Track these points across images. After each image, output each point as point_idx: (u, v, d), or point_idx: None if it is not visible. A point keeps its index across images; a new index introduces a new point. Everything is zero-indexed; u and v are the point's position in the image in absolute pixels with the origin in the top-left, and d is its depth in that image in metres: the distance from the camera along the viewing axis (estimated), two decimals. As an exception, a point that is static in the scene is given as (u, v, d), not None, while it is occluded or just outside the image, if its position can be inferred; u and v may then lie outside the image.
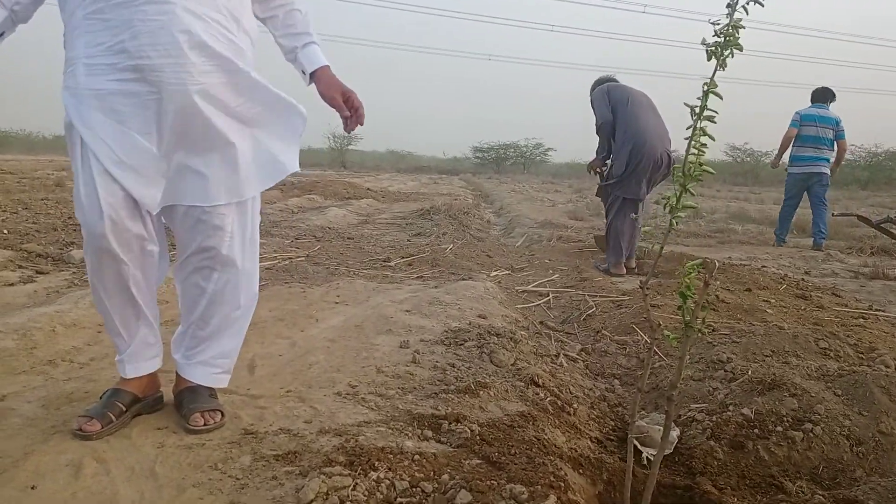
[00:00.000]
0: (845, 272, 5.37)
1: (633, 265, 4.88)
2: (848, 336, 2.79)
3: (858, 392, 2.04)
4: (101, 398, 1.78)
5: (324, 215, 7.75)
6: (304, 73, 1.85)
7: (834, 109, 7.21)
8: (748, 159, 31.58)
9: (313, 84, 1.86)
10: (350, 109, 1.84)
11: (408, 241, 6.17)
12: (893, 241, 5.22)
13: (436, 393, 2.06)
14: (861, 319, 3.39)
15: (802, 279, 4.71)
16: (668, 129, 4.93)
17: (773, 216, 9.80)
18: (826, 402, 1.99)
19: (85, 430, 1.65)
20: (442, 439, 1.74)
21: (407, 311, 3.05)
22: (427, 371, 2.27)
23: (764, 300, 3.58)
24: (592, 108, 5.09)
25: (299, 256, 4.62)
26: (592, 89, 5.25)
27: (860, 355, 2.60)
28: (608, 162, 5.05)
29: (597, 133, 5.04)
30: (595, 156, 5.12)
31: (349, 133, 2.10)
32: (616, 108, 4.92)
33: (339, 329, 2.77)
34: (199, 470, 1.55)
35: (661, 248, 1.38)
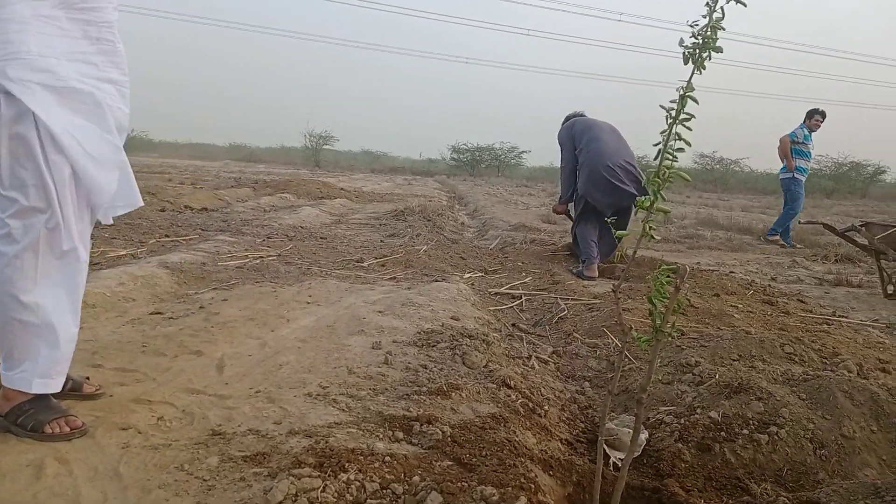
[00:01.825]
0: (810, 279, 5.50)
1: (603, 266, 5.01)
2: (812, 341, 2.84)
3: (822, 396, 2.09)
4: None
5: (296, 214, 7.69)
6: None
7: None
8: (717, 167, 32.24)
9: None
10: None
11: (381, 241, 6.15)
12: (857, 249, 5.36)
13: (408, 394, 2.05)
14: (825, 325, 3.47)
15: (769, 285, 4.80)
16: (632, 146, 5.22)
17: (740, 223, 10.00)
18: (791, 406, 2.03)
19: None
20: (413, 441, 1.73)
21: (380, 311, 3.04)
22: (399, 372, 2.26)
23: (732, 305, 3.65)
24: (560, 148, 5.34)
25: (271, 256, 4.57)
26: (562, 125, 5.46)
27: (824, 360, 2.66)
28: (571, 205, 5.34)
29: (560, 176, 5.31)
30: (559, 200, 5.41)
31: None
32: (580, 139, 5.15)
33: (310, 329, 2.75)
34: (165, 471, 1.52)
35: (635, 252, 1.39)
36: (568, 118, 5.49)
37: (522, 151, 36.73)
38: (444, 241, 6.49)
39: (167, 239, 5.08)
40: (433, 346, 2.56)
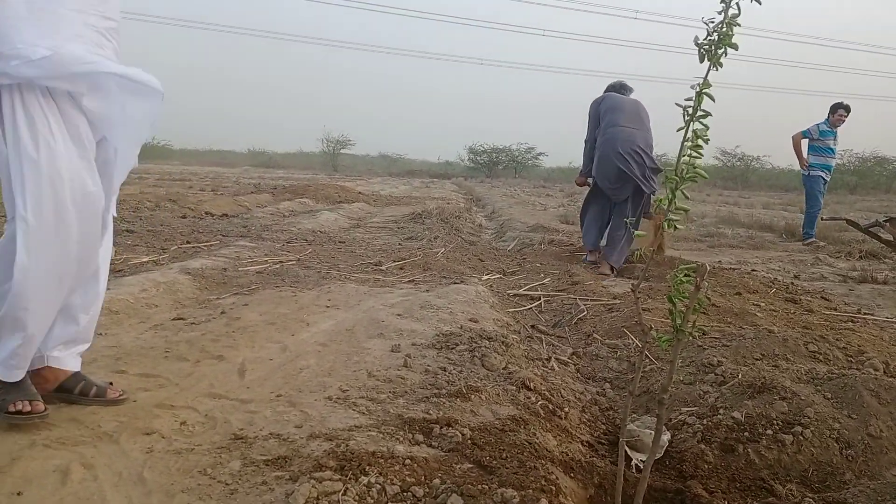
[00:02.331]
0: (834, 276, 5.41)
1: (614, 265, 5.03)
2: (837, 339, 2.80)
3: (848, 395, 2.05)
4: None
5: (315, 219, 7.74)
6: None
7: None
8: (738, 164, 31.85)
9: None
10: None
11: (399, 244, 6.17)
12: (882, 245, 5.26)
13: (427, 397, 2.05)
14: (850, 323, 3.41)
15: (792, 283, 4.74)
16: (654, 134, 5.21)
17: (762, 220, 9.87)
18: (815, 406, 2.00)
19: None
20: (433, 443, 1.73)
21: (398, 314, 3.05)
22: (418, 375, 2.27)
23: (754, 304, 3.60)
24: (588, 119, 5.46)
25: (290, 260, 4.61)
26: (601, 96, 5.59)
27: (849, 358, 2.62)
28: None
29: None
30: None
31: None
32: (603, 118, 5.24)
33: (330, 333, 2.76)
34: (189, 475, 1.53)
35: (653, 251, 1.38)
36: (607, 88, 5.56)
37: (539, 153, 36.66)
38: (462, 244, 6.49)
39: (188, 245, 5.14)
40: (452, 348, 2.56)
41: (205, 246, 5.16)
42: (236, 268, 4.17)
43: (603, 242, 5.32)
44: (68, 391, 1.88)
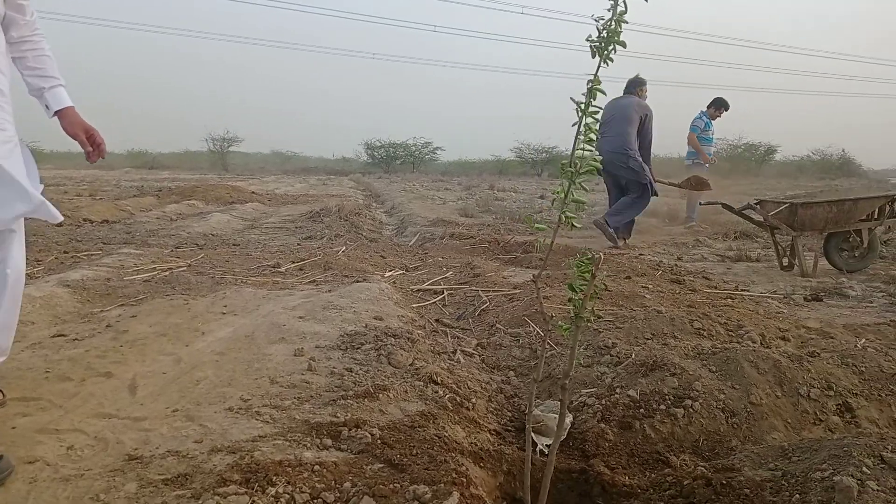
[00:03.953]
0: (713, 256, 5.82)
1: (608, 222, 6.37)
2: (718, 316, 3.01)
3: (730, 367, 2.21)
4: None
5: (206, 221, 7.41)
6: (47, 107, 2.06)
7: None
8: (623, 153, 33.52)
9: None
10: (92, 145, 2.11)
11: (298, 244, 6.02)
12: (754, 225, 5.72)
13: (334, 400, 2.02)
14: (729, 300, 3.68)
15: (676, 265, 5.05)
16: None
17: (648, 207, 10.42)
18: (702, 379, 2.14)
19: None
20: (342, 447, 1.71)
21: (300, 317, 2.97)
22: (324, 378, 2.22)
23: (643, 286, 3.80)
24: None
25: (181, 266, 4.38)
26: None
27: (730, 333, 2.82)
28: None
29: None
30: None
31: (92, 163, 2.26)
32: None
33: (228, 341, 2.65)
34: (79, 503, 1.43)
35: (552, 242, 1.41)
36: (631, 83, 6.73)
37: (437, 147, 36.91)
38: (363, 241, 6.43)
39: (66, 255, 4.77)
40: (357, 348, 2.53)
41: (85, 256, 4.81)
42: (121, 277, 3.92)
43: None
44: None
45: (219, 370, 2.31)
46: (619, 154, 6.34)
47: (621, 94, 6.70)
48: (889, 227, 4.95)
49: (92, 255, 4.86)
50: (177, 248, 5.43)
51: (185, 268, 4.35)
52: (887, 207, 4.88)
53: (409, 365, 2.38)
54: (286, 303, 3.29)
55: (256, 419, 1.88)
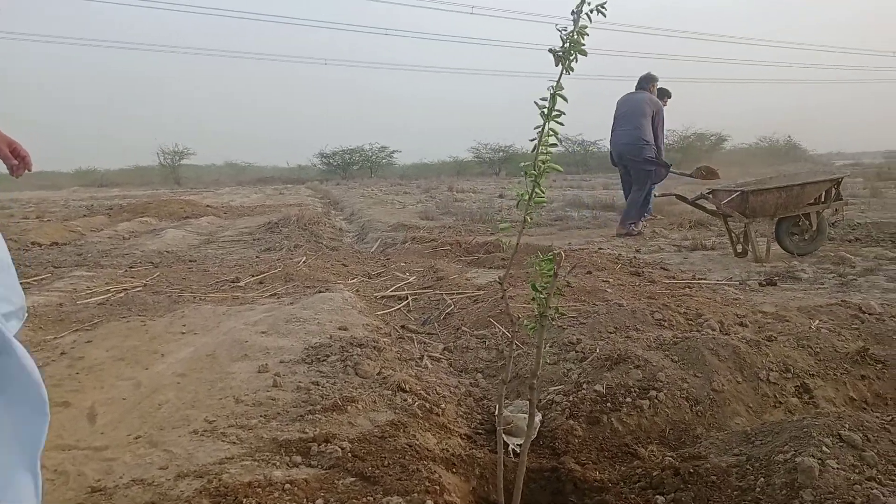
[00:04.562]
0: (670, 247, 5.94)
1: (618, 234, 6.79)
2: (678, 305, 3.07)
3: (692, 356, 2.26)
4: None
5: (160, 238, 7.25)
6: None
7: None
8: (579, 149, 34.14)
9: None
10: (17, 158, 2.01)
11: (257, 257, 5.93)
12: (708, 214, 5.87)
13: (301, 415, 1.99)
14: (687, 289, 3.76)
15: (634, 257, 5.14)
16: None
17: (603, 200, 10.60)
18: (666, 369, 2.18)
19: None
20: (312, 462, 1.68)
21: (263, 332, 2.92)
22: (290, 393, 2.19)
23: (603, 280, 3.86)
24: None
25: (136, 287, 4.27)
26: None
27: (689, 322, 2.88)
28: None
29: None
30: None
31: (17, 178, 2.16)
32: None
33: (189, 361, 2.59)
34: (38, 543, 1.37)
35: (518, 243, 1.43)
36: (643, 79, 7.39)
37: (394, 151, 36.89)
38: (324, 250, 6.38)
39: (13, 282, 4.60)
40: (323, 360, 2.51)
41: (34, 281, 4.65)
42: (74, 301, 3.80)
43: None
44: None
45: (181, 392, 2.25)
46: (634, 146, 6.96)
47: (633, 90, 7.38)
48: (836, 209, 5.13)
49: (42, 279, 4.71)
50: (131, 267, 5.30)
51: (140, 288, 4.24)
52: (833, 190, 5.06)
53: (377, 374, 2.37)
54: (247, 318, 3.23)
55: (223, 440, 1.84)
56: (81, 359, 2.66)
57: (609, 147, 7.55)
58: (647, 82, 7.37)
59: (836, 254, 4.84)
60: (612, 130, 7.38)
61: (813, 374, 2.21)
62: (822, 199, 5.07)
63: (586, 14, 1.28)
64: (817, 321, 2.81)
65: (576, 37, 1.29)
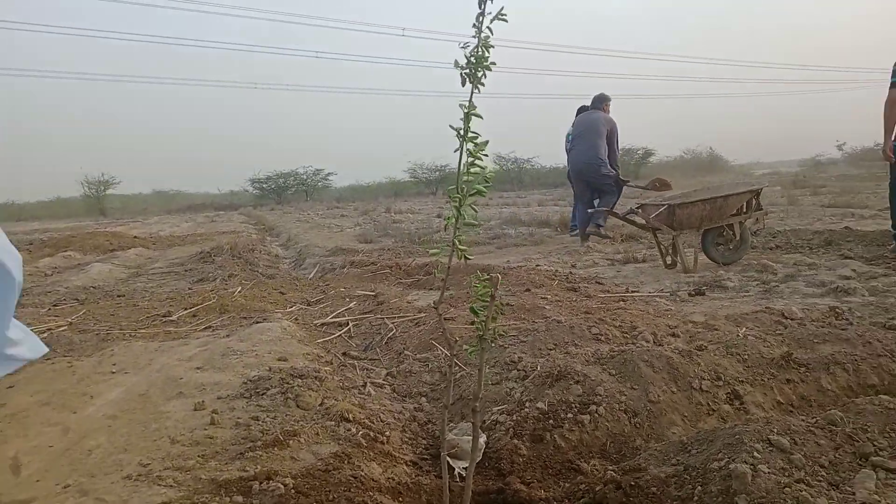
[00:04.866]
0: (603, 261, 6.10)
1: (589, 233, 7.24)
2: (613, 319, 3.16)
3: (628, 369, 2.32)
4: None
5: (85, 273, 6.94)
6: None
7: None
8: (513, 166, 34.83)
9: None
10: None
11: (189, 289, 5.75)
12: (638, 228, 6.07)
13: (241, 453, 1.93)
14: (621, 302, 3.87)
15: (570, 273, 5.25)
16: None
17: (539, 217, 10.80)
18: (604, 383, 2.23)
19: None
20: (254, 502, 1.64)
21: (198, 368, 2.83)
22: (229, 430, 2.12)
23: (542, 297, 3.92)
24: None
25: (61, 326, 4.07)
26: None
27: (625, 335, 2.96)
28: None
29: None
30: None
31: None
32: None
33: (120, 403, 2.48)
34: None
35: (448, 267, 1.43)
36: (597, 99, 7.88)
37: (329, 173, 36.62)
38: (260, 278, 6.24)
39: (-77, 327, 4.30)
40: (262, 394, 2.45)
41: (-54, 324, 4.35)
42: (-8, 345, 3.57)
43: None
44: None
45: (112, 436, 2.15)
46: (591, 164, 7.48)
47: (588, 109, 7.88)
48: (757, 218, 5.39)
49: (-45, 323, 4.41)
50: (55, 305, 5.04)
51: (65, 327, 4.04)
52: (753, 201, 5.32)
53: (319, 405, 2.33)
54: (181, 353, 3.12)
55: (159, 484, 1.77)
56: (3, 406, 2.51)
57: (567, 165, 8.27)
58: (600, 102, 7.81)
59: (759, 262, 5.08)
60: (569, 150, 7.99)
61: (742, 381, 2.31)
62: (744, 210, 5.32)
63: (487, 27, 1.23)
64: (744, 329, 2.94)
65: (480, 51, 1.25)
